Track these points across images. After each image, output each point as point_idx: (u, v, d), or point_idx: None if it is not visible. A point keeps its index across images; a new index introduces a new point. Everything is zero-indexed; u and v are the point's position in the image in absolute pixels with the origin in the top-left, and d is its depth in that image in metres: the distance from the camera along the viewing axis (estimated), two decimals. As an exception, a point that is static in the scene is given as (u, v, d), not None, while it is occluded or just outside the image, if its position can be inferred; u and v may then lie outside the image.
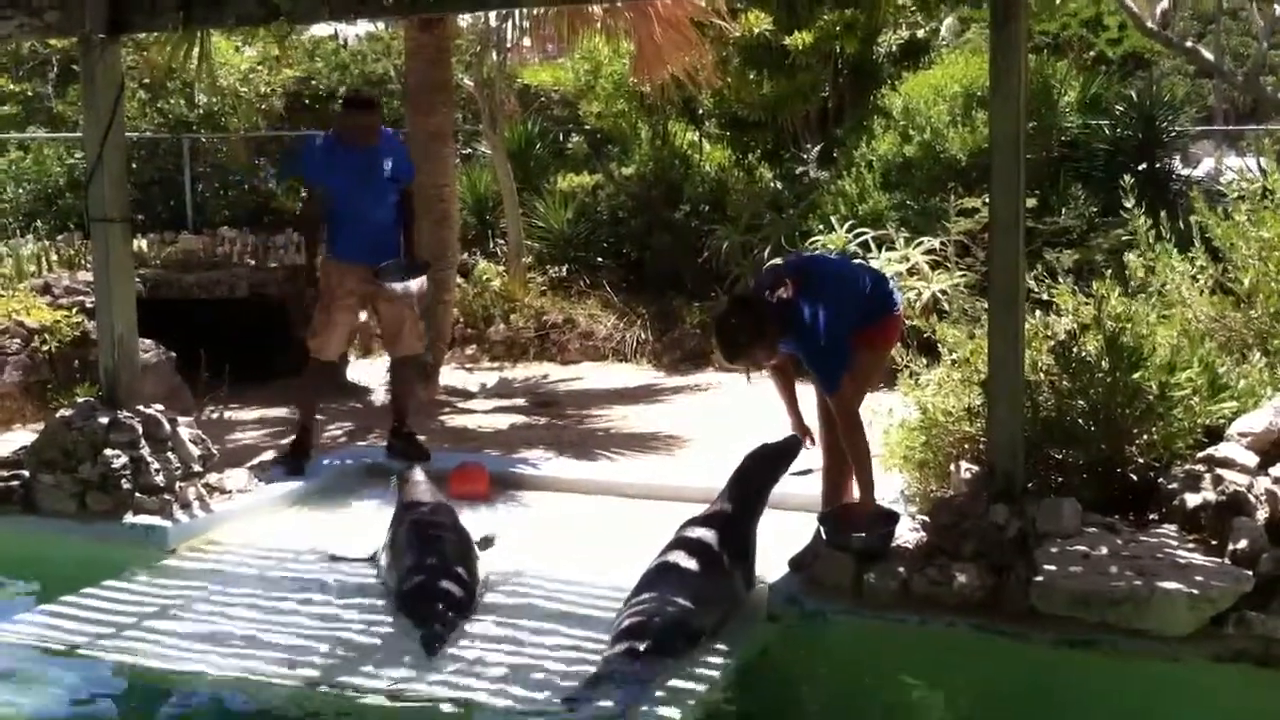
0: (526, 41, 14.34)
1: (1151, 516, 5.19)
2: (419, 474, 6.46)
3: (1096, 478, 5.40)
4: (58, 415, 6.81)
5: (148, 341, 8.41)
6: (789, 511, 6.29)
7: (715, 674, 4.63)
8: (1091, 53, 14.07)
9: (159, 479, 6.44)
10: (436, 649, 4.85)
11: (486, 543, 6.09)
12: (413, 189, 7.68)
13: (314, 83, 17.27)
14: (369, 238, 7.21)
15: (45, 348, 9.38)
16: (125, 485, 6.34)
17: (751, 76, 13.59)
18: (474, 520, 6.37)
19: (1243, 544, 4.66)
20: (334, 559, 6.01)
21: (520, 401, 10.54)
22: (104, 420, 6.52)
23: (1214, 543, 4.82)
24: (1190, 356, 5.64)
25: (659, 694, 4.41)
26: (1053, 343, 5.68)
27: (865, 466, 5.44)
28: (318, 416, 7.98)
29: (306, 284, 7.73)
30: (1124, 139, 12.42)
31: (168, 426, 6.69)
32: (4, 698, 4.65)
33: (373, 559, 5.92)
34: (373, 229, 7.22)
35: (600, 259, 14.02)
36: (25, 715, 4.55)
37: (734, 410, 9.85)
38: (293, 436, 7.60)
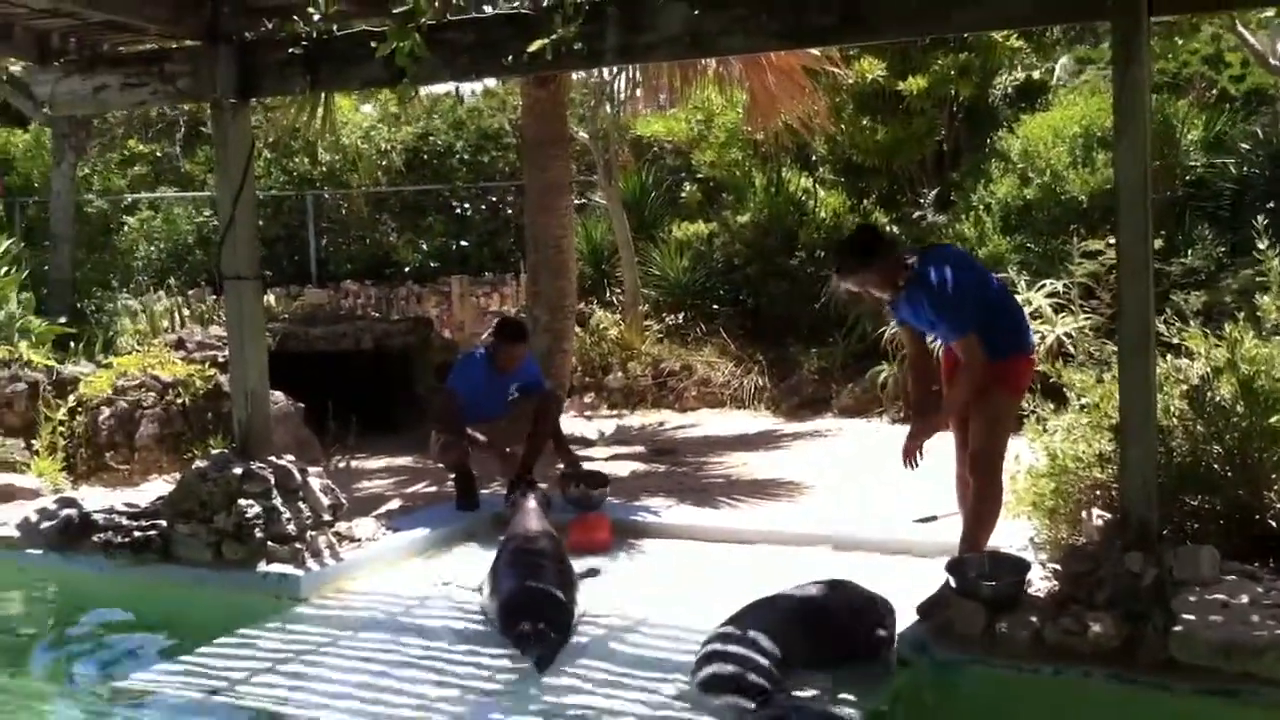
0: (639, 93, 14.47)
1: (1293, 564, 5.05)
2: (531, 502, 6.60)
3: (1234, 524, 5.27)
4: (193, 466, 7.00)
5: (277, 394, 8.62)
6: (915, 558, 6.25)
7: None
8: (1214, 90, 13.81)
9: (291, 528, 6.57)
10: (546, 665, 5.06)
11: (592, 573, 6.28)
12: (550, 403, 8.16)
13: (432, 139, 17.63)
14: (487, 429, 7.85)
15: (179, 401, 9.65)
16: (259, 534, 6.48)
17: (865, 122, 13.59)
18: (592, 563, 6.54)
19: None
20: (445, 584, 6.29)
21: (639, 449, 10.59)
22: (238, 471, 6.68)
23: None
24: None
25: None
26: (1185, 387, 5.57)
27: (993, 511, 5.42)
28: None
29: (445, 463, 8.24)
30: (1250, 177, 12.16)
31: (299, 476, 6.83)
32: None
33: (479, 588, 6.06)
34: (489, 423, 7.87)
35: (716, 306, 14.07)
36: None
37: (855, 456, 9.81)
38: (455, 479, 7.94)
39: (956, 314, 5.51)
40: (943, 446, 5.86)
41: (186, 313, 12.94)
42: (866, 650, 5.04)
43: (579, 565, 6.31)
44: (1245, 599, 4.66)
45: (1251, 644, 4.40)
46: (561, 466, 7.93)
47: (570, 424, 11.45)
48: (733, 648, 4.83)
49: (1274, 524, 5.24)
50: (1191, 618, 4.58)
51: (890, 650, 5.05)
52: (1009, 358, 5.63)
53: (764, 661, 4.73)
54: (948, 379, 5.86)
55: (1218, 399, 5.42)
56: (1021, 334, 5.79)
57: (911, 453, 5.79)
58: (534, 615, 5.49)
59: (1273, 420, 5.27)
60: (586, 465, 8.68)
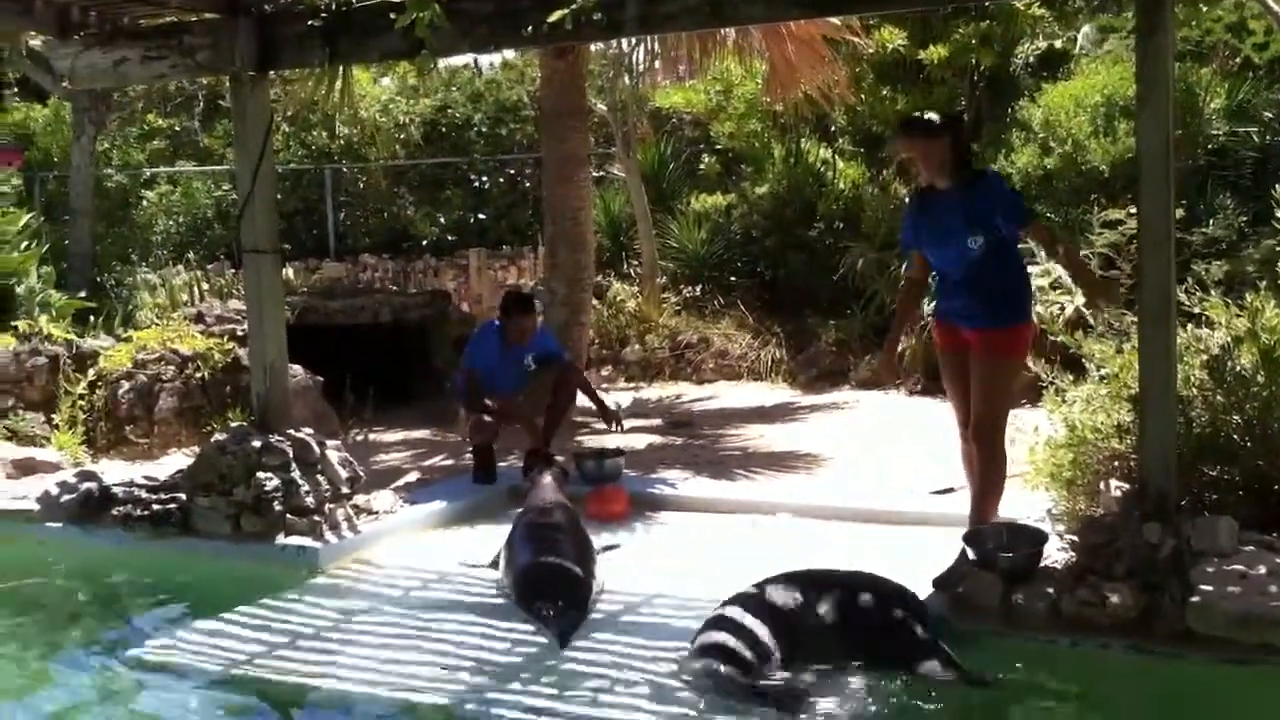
0: (658, 65, 14.40)
1: (1312, 535, 5.02)
2: (548, 477, 6.61)
3: (1253, 495, 5.24)
4: (212, 440, 7.03)
5: (295, 367, 8.63)
6: (932, 527, 6.24)
7: (860, 693, 4.57)
8: (1237, 59, 13.66)
9: (309, 501, 6.59)
10: (568, 639, 5.10)
11: (610, 548, 6.29)
12: (570, 375, 8.19)
13: (450, 111, 17.59)
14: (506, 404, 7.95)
15: (198, 375, 9.68)
16: (277, 507, 6.51)
17: (885, 92, 13.50)
18: (610, 539, 6.54)
19: None
20: (463, 565, 6.26)
21: (656, 421, 10.58)
22: (256, 444, 6.70)
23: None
24: (1351, 369, 5.44)
25: (803, 716, 4.38)
26: (1205, 357, 5.53)
27: (999, 479, 5.44)
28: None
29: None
30: (1273, 146, 12.04)
31: (317, 450, 6.86)
32: (159, 715, 4.80)
33: (494, 563, 6.09)
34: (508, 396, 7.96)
35: (734, 278, 14.02)
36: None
37: (872, 428, 9.79)
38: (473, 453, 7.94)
39: (1019, 202, 5.72)
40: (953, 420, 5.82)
41: (205, 287, 12.98)
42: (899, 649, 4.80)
43: (597, 539, 6.32)
44: (1263, 570, 4.64)
45: (1269, 615, 4.38)
46: (578, 441, 7.95)
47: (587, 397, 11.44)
48: (732, 619, 4.83)
49: (1293, 495, 5.21)
50: (1209, 589, 4.57)
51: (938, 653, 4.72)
52: (1022, 324, 5.61)
53: (762, 636, 4.73)
54: (942, 345, 5.78)
55: (1238, 369, 5.38)
56: (1031, 302, 5.80)
57: (891, 365, 6.07)
58: (552, 589, 5.52)
59: (1294, 390, 5.23)
60: (603, 439, 8.70)
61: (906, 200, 12.93)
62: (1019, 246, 5.87)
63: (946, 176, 5.52)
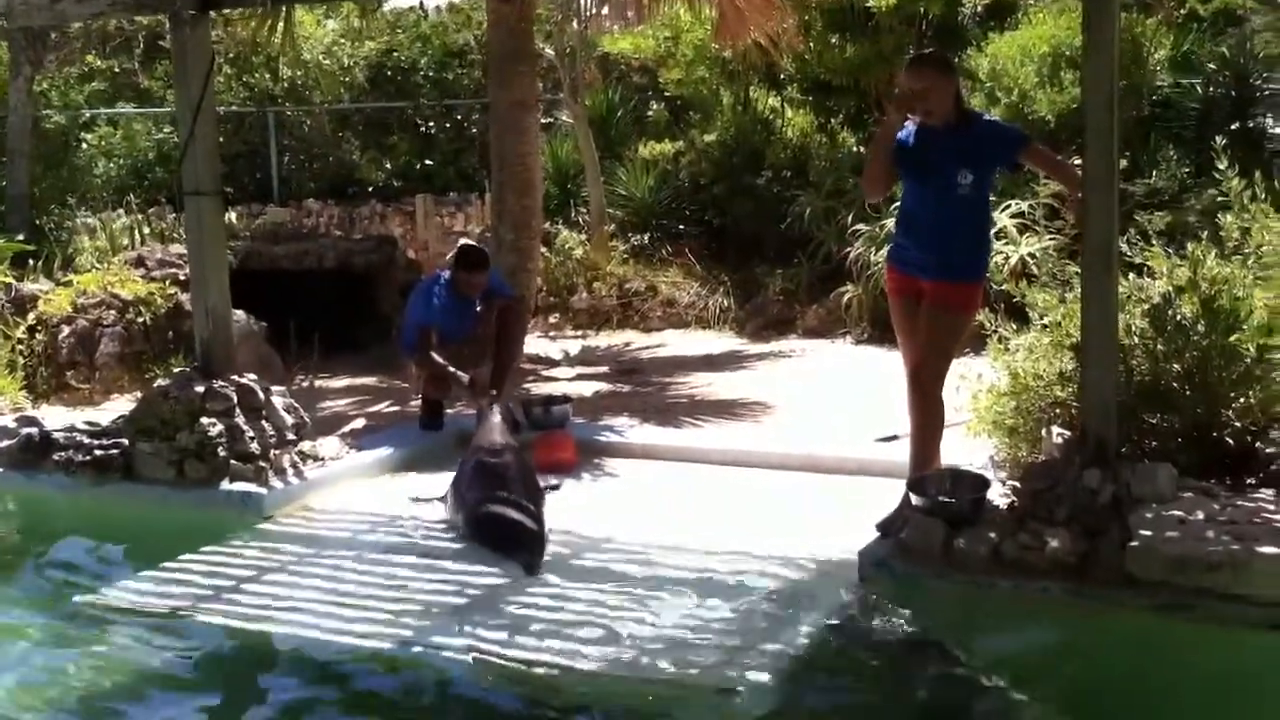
0: (606, 10, 14.30)
1: (1249, 481, 5.12)
2: (496, 416, 6.62)
3: (1192, 442, 5.32)
4: (155, 385, 6.96)
5: (239, 313, 8.55)
6: (875, 477, 6.30)
7: (804, 639, 4.63)
8: (1182, 10, 13.74)
9: (254, 447, 6.55)
10: (536, 568, 5.28)
11: (552, 488, 6.41)
12: (514, 305, 8.17)
13: (396, 54, 17.37)
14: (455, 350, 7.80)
15: (140, 320, 9.57)
16: (221, 453, 6.47)
17: (834, 40, 13.48)
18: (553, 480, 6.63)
19: (1345, 506, 4.58)
20: (414, 501, 6.37)
21: (603, 369, 10.59)
22: (199, 389, 6.64)
23: (1314, 507, 4.74)
24: (1289, 319, 5.52)
25: (746, 659, 4.43)
26: (1147, 306, 5.59)
27: (938, 425, 5.53)
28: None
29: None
30: (1216, 98, 12.14)
31: (262, 395, 6.81)
32: (106, 659, 4.78)
33: (444, 498, 6.16)
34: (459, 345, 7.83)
35: (682, 226, 14.01)
36: (127, 676, 4.66)
37: (819, 376, 9.84)
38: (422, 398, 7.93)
39: (1016, 129, 5.96)
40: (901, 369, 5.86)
41: (146, 230, 12.79)
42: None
43: (540, 481, 6.34)
44: (1201, 515, 4.71)
45: (1206, 559, 4.46)
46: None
47: (535, 344, 11.45)
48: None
49: (1231, 442, 5.30)
50: (1148, 533, 4.63)
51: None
52: (979, 282, 5.64)
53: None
54: (896, 290, 5.79)
55: (1178, 318, 5.44)
56: (989, 260, 5.85)
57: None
58: (508, 524, 5.56)
59: (1232, 339, 5.31)
60: (549, 386, 8.70)
61: (858, 149, 13.02)
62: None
63: (949, 113, 5.52)
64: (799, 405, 8.64)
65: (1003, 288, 6.60)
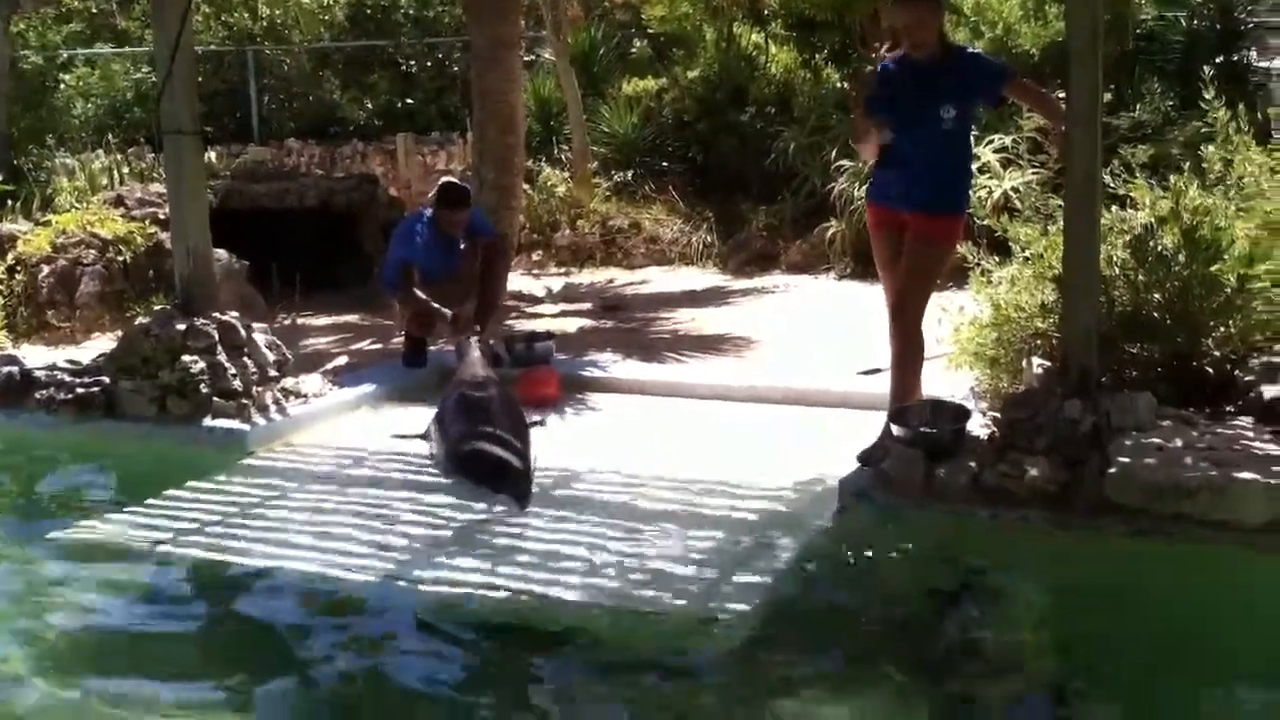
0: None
1: (1228, 410, 5.14)
2: (475, 350, 6.60)
3: (1172, 372, 5.34)
4: (136, 323, 6.93)
5: (220, 251, 8.50)
6: (857, 410, 6.32)
7: (783, 566, 4.67)
8: (1168, -58, 13.66)
9: (236, 384, 6.54)
10: (526, 500, 5.28)
11: (537, 423, 6.39)
12: (496, 243, 8.20)
13: (376, -8, 17.21)
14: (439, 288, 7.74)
15: (120, 259, 9.52)
16: (203, 390, 6.45)
17: (818, -25, 13.36)
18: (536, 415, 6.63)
19: (1321, 436, 4.61)
20: (397, 437, 6.35)
21: (587, 306, 10.58)
22: (181, 327, 6.61)
23: (1292, 435, 4.76)
24: (1269, 249, 5.53)
25: (726, 588, 4.46)
26: (1129, 237, 5.59)
27: (918, 357, 5.55)
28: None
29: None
30: (1201, 31, 12.09)
31: (243, 333, 6.78)
32: (90, 593, 4.79)
33: (427, 434, 6.14)
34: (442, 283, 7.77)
35: (665, 163, 13.95)
36: (110, 610, 4.68)
37: (802, 311, 9.84)
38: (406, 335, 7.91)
39: (999, 62, 5.91)
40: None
41: (126, 170, 12.71)
42: None
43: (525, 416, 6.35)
44: (1179, 443, 4.74)
45: (1184, 485, 4.48)
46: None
47: (518, 281, 11.42)
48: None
49: (1211, 371, 5.33)
50: (1126, 461, 4.66)
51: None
52: (961, 215, 5.64)
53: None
54: (877, 224, 5.77)
55: (1160, 249, 5.44)
56: (970, 193, 5.83)
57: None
58: (492, 460, 5.58)
59: (1213, 269, 5.32)
60: (533, 323, 8.69)
61: (841, 85, 12.95)
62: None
63: (934, 47, 5.48)
64: (782, 340, 8.65)
65: (985, 222, 6.59)
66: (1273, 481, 4.40)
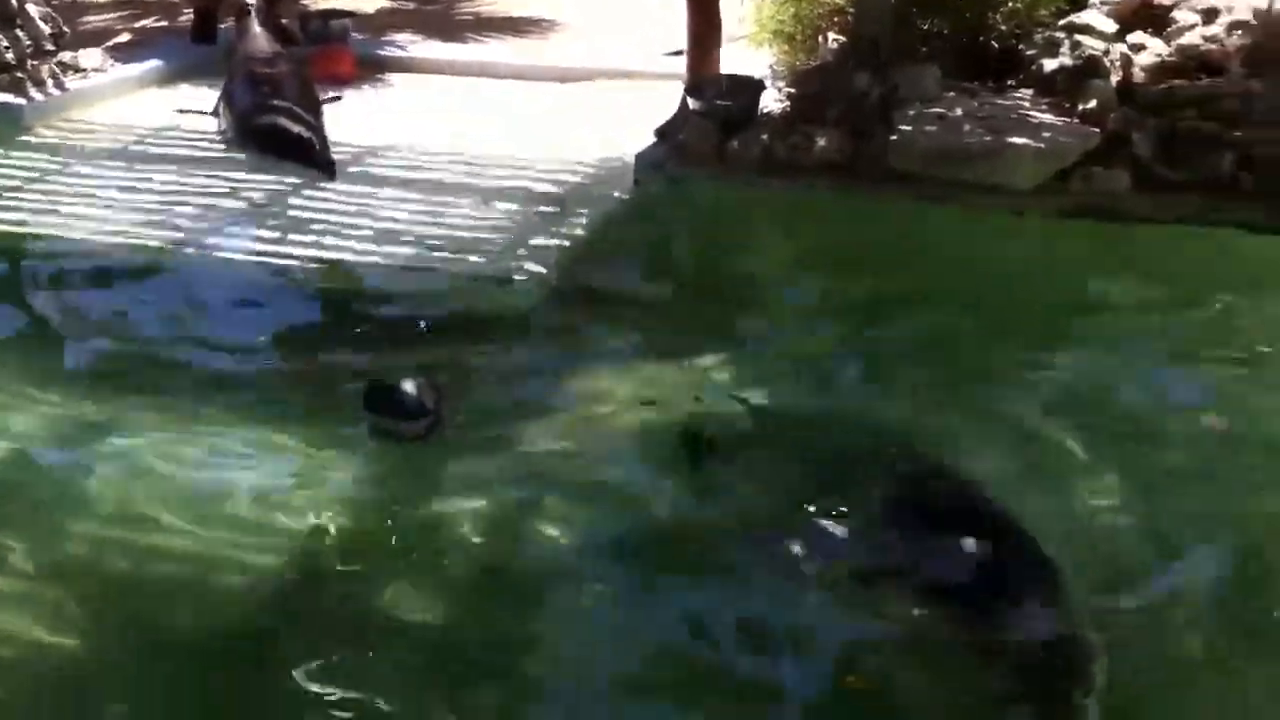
0: None
1: (1010, 82, 5.29)
2: (256, 25, 6.38)
3: (961, 47, 5.45)
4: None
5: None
6: (655, 81, 6.32)
7: (580, 232, 4.75)
8: None
9: (9, 56, 6.18)
10: (332, 170, 5.22)
11: (333, 99, 6.27)
12: None
13: None
14: None
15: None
16: (-27, 63, 6.09)
17: None
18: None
19: (1093, 104, 4.80)
20: (180, 112, 6.16)
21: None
22: (-56, -3, 6.17)
23: (1067, 105, 4.94)
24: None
25: (521, 251, 4.53)
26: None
27: (714, 37, 5.57)
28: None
29: None
30: None
31: (15, 3, 6.36)
32: None
33: (215, 111, 5.97)
34: None
35: None
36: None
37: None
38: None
39: None
40: None
41: None
42: None
43: (320, 92, 6.19)
44: (960, 111, 4.89)
45: (963, 150, 4.66)
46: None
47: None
48: None
49: (996, 45, 5.45)
50: (909, 129, 4.80)
51: None
52: None
53: None
54: None
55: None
56: None
57: None
58: (284, 134, 5.46)
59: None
60: (331, 2, 8.32)
61: None
62: None
63: None
64: (588, 23, 8.47)
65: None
66: (1043, 146, 4.60)
